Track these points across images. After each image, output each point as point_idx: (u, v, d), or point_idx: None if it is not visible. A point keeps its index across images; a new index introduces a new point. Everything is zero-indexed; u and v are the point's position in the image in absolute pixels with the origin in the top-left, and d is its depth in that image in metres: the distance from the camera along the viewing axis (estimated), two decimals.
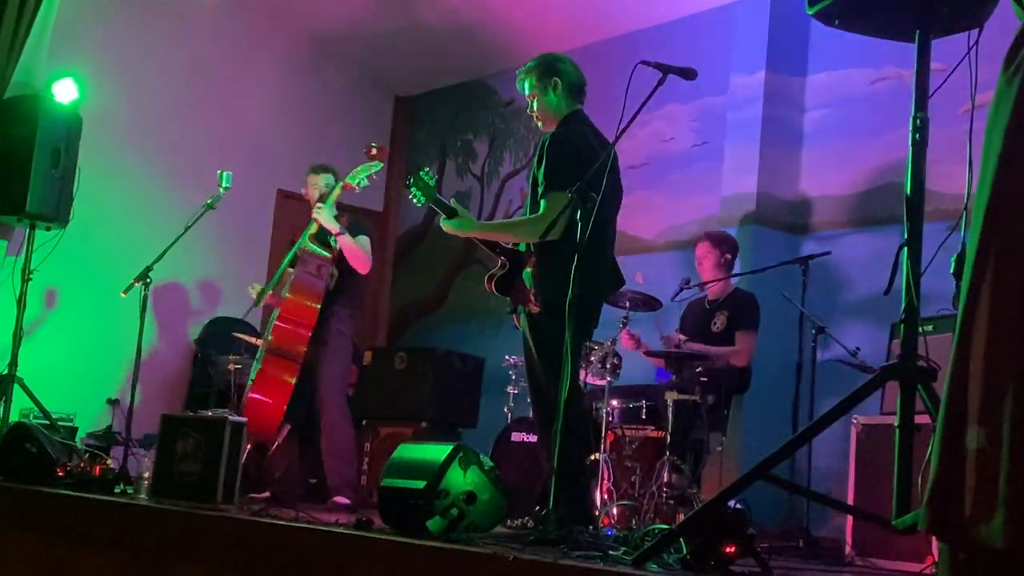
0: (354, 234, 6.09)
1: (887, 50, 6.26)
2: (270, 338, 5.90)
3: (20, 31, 6.62)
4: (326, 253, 6.04)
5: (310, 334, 5.89)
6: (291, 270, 6.10)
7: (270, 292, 6.26)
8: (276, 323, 5.90)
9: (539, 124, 4.83)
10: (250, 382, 5.86)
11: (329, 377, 6.10)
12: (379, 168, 6.14)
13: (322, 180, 6.33)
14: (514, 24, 8.24)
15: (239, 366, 5.98)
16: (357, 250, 6.06)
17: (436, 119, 9.68)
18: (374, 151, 6.11)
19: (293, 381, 5.83)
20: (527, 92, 4.82)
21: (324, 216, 6.03)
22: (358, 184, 6.11)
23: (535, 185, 4.55)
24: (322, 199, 6.16)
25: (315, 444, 6.15)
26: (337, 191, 6.13)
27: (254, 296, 6.30)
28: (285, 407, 5.80)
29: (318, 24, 8.93)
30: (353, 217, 6.29)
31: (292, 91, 9.02)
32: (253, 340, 5.93)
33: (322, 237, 6.10)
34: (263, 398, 5.79)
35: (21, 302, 6.45)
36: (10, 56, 6.62)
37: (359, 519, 3.67)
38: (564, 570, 2.63)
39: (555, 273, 4.19)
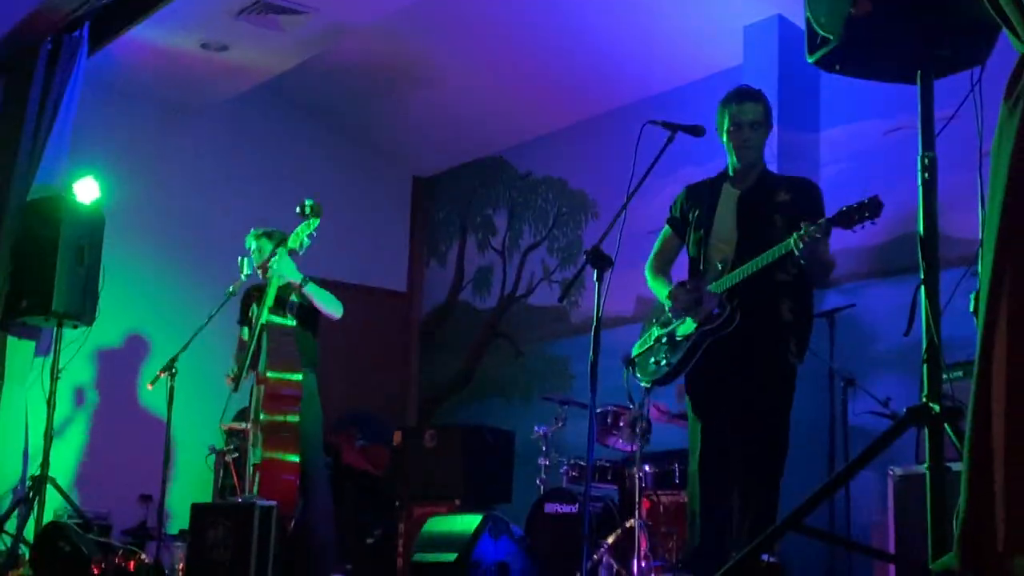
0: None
1: (899, 99, 6.29)
2: (263, 419, 5.72)
3: (40, 133, 6.73)
4: (289, 322, 5.89)
5: (299, 406, 5.78)
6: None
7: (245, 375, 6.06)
8: (264, 403, 5.73)
9: (742, 153, 4.58)
10: (251, 466, 5.69)
11: (313, 449, 6.05)
12: (316, 225, 5.87)
13: (266, 245, 6.22)
14: (527, 98, 8.32)
15: (236, 455, 5.87)
16: (325, 295, 6.00)
17: (455, 197, 9.74)
18: (308, 210, 5.86)
19: (298, 457, 5.72)
20: (754, 118, 4.57)
21: (287, 268, 5.85)
22: (300, 246, 5.87)
23: (775, 222, 4.46)
24: (264, 267, 6.03)
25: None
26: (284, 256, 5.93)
27: (231, 383, 6.06)
28: (298, 484, 5.70)
29: (333, 109, 9.05)
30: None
31: (311, 177, 9.06)
32: (240, 426, 5.81)
33: (277, 309, 5.90)
34: (274, 479, 5.69)
35: (51, 402, 6.47)
36: (32, 158, 6.73)
37: None
38: None
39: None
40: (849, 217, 4.04)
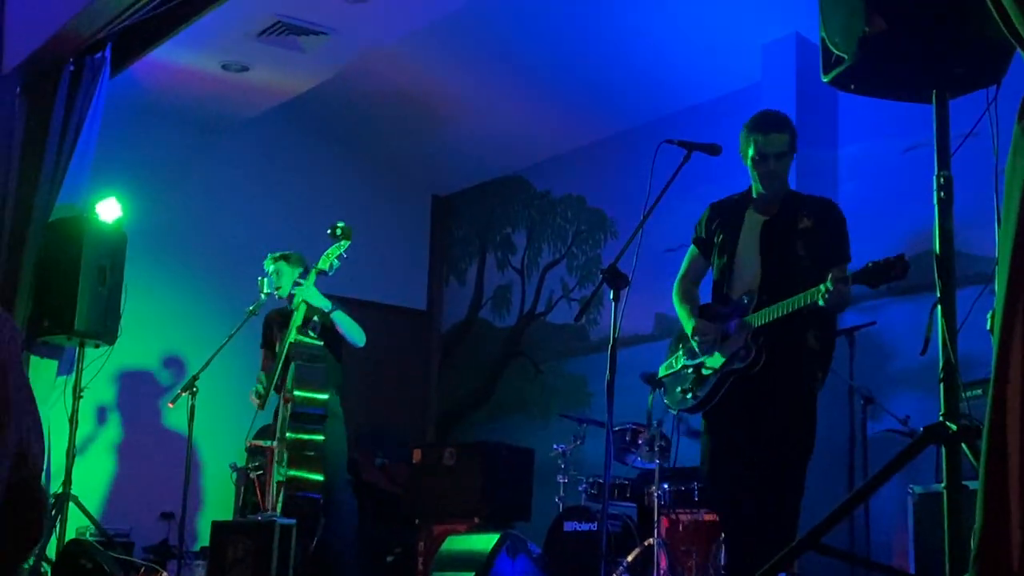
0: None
1: (918, 117, 6.28)
2: (289, 437, 5.80)
3: (63, 154, 6.79)
4: (317, 341, 5.99)
5: (324, 425, 5.87)
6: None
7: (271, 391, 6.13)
8: (291, 422, 5.81)
9: (767, 182, 4.50)
10: (275, 483, 5.72)
11: (336, 468, 6.09)
12: (346, 247, 6.01)
13: (283, 267, 6.30)
14: (545, 117, 8.35)
15: (260, 472, 5.92)
16: (350, 324, 6.08)
17: (474, 215, 9.77)
18: (339, 232, 6.00)
19: (322, 476, 5.80)
20: (780, 149, 4.47)
21: (314, 296, 5.98)
22: (330, 267, 6.00)
23: (797, 250, 4.43)
24: (294, 287, 6.11)
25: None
26: (313, 277, 6.04)
27: (257, 401, 6.14)
28: (321, 502, 5.75)
29: (353, 129, 9.09)
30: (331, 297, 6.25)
31: (331, 196, 9.12)
32: (265, 444, 5.87)
33: (303, 328, 6.01)
34: (298, 497, 5.73)
35: (73, 420, 6.52)
36: (54, 179, 6.79)
37: None
38: None
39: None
40: (875, 276, 3.97)
